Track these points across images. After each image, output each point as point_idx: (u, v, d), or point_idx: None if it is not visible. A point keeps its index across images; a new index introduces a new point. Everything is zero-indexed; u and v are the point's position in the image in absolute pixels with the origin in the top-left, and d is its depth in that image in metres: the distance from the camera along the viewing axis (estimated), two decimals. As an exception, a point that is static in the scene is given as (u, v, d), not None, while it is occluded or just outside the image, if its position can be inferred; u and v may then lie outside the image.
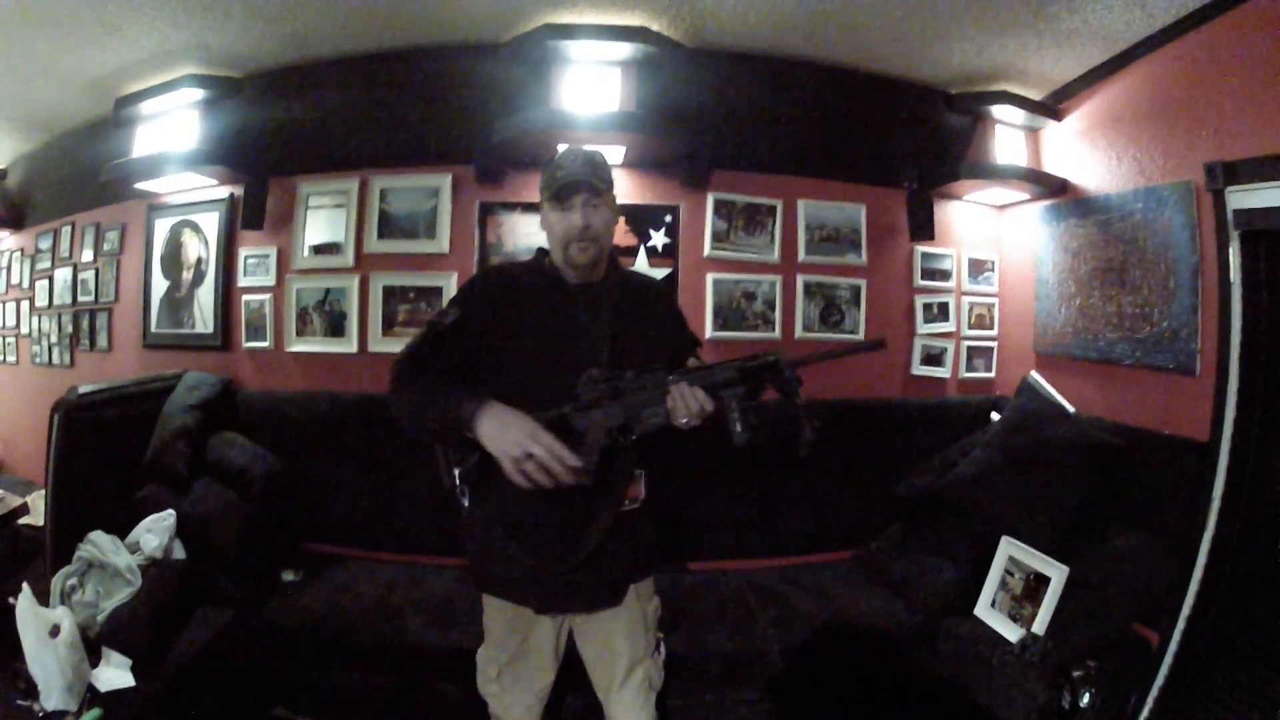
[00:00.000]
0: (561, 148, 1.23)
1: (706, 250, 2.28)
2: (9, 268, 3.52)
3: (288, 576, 2.14)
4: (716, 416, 1.09)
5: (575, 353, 1.19)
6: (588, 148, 1.23)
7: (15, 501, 2.79)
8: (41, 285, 3.23)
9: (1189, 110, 1.83)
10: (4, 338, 3.54)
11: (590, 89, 2.17)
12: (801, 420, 1.07)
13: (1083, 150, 2.27)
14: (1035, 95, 2.43)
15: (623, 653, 1.31)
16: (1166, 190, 1.87)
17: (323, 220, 2.32)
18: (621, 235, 2.23)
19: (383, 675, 1.98)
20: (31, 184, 3.42)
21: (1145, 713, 1.68)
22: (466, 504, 1.23)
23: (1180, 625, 1.66)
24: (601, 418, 1.13)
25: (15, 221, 3.49)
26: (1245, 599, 1.66)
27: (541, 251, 1.29)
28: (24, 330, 3.38)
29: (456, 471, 1.18)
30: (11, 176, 3.56)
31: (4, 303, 3.54)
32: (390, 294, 2.28)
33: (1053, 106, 2.42)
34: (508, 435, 1.05)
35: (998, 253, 2.63)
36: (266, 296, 2.40)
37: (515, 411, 1.07)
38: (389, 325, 2.27)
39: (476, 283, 1.29)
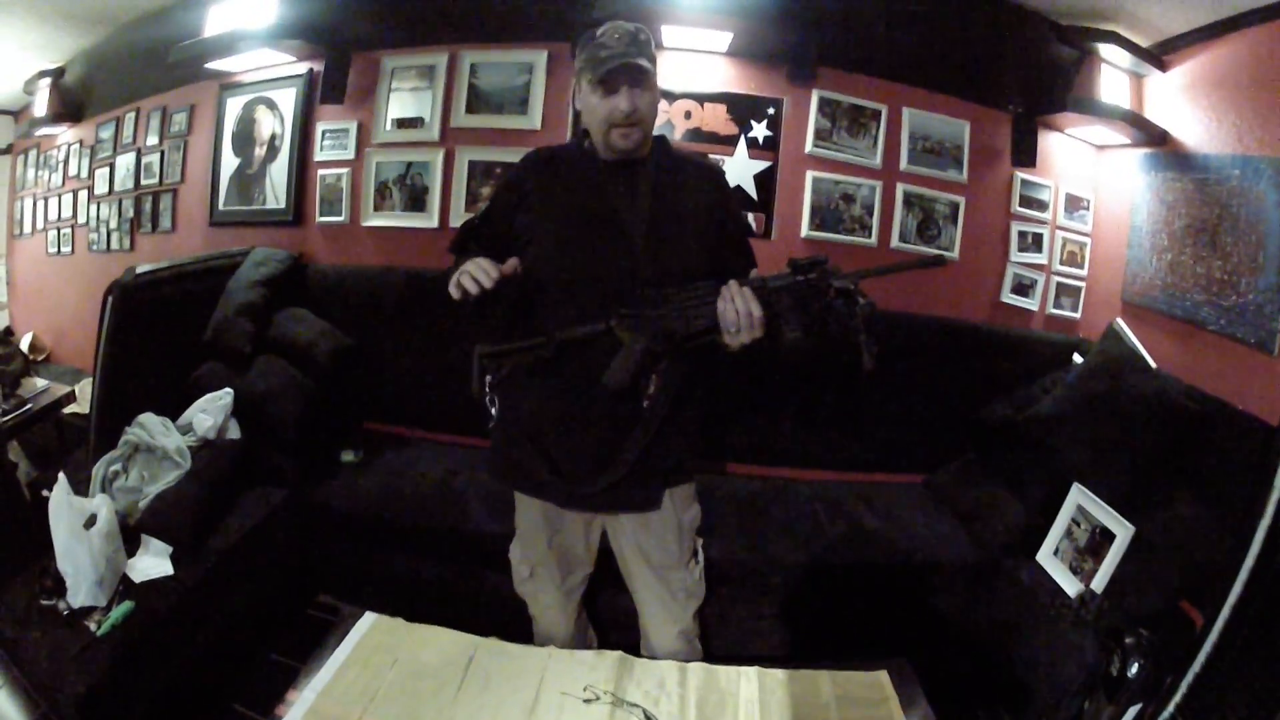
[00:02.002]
0: (603, 27, 1.12)
1: (808, 147, 2.20)
2: (65, 161, 3.49)
3: (347, 457, 2.09)
4: (769, 320, 1.00)
5: (609, 234, 1.12)
6: (628, 24, 1.12)
7: (61, 390, 2.75)
8: (101, 174, 3.20)
9: None
10: (59, 230, 3.51)
11: (698, -30, 2.08)
12: (860, 343, 0.97)
13: (1184, 106, 2.17)
14: (1142, 42, 2.32)
15: (654, 559, 1.26)
16: (1263, 163, 1.79)
17: (407, 94, 2.25)
18: (723, 124, 2.16)
19: (437, 563, 1.93)
20: (92, 78, 3.38)
21: (1179, 695, 1.59)
22: (494, 412, 1.21)
23: (1224, 613, 1.57)
24: (642, 328, 1.06)
25: (74, 116, 3.46)
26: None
27: (582, 132, 1.20)
28: (81, 220, 3.35)
29: (488, 379, 1.15)
30: (70, 72, 3.52)
31: (60, 196, 3.51)
32: (476, 170, 2.21)
33: (1159, 56, 2.32)
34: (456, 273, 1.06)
35: (1094, 192, 2.53)
36: (344, 170, 2.34)
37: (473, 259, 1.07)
38: (473, 201, 2.19)
39: (509, 174, 1.26)
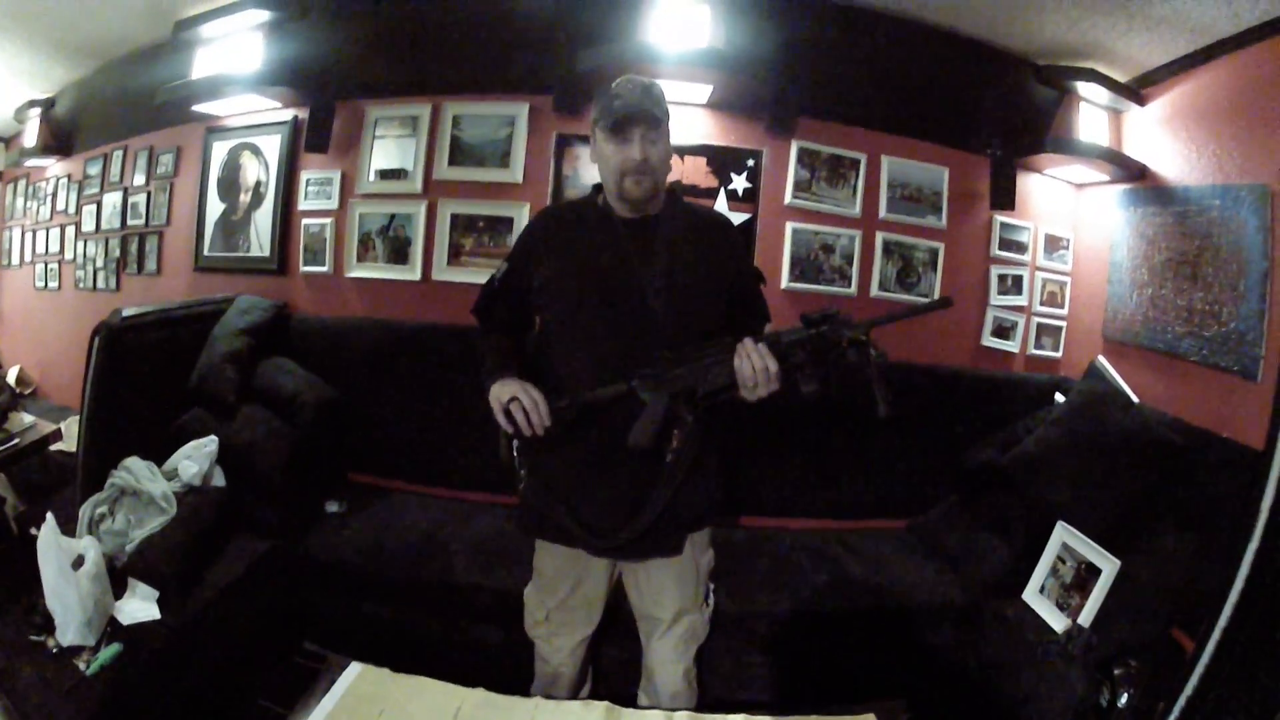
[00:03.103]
0: (619, 81, 1.17)
1: (787, 198, 2.21)
2: (54, 194, 3.49)
3: (331, 508, 2.09)
4: (785, 376, 1.03)
5: (627, 298, 1.13)
6: (645, 79, 1.17)
7: (49, 428, 2.75)
8: (89, 210, 3.20)
9: (1268, 113, 1.78)
10: (47, 264, 3.51)
11: (677, 24, 2.09)
12: (877, 393, 1.01)
13: (1163, 138, 2.20)
14: (1120, 77, 2.36)
15: (672, 602, 1.29)
16: (1243, 190, 1.82)
17: (390, 145, 2.26)
18: (703, 176, 2.17)
19: (422, 614, 1.93)
20: (81, 111, 3.38)
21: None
22: (524, 475, 1.25)
23: (1215, 636, 1.59)
24: (662, 388, 1.09)
25: (63, 149, 3.46)
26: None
27: (596, 188, 1.23)
28: (68, 256, 3.35)
29: (515, 444, 1.20)
30: (60, 104, 3.52)
31: (48, 229, 3.51)
32: (458, 222, 2.22)
33: (1137, 90, 2.35)
34: (502, 391, 1.13)
35: (1073, 231, 2.55)
36: (327, 220, 2.35)
37: (521, 382, 1.14)
38: (455, 254, 2.21)
39: (525, 232, 1.29)
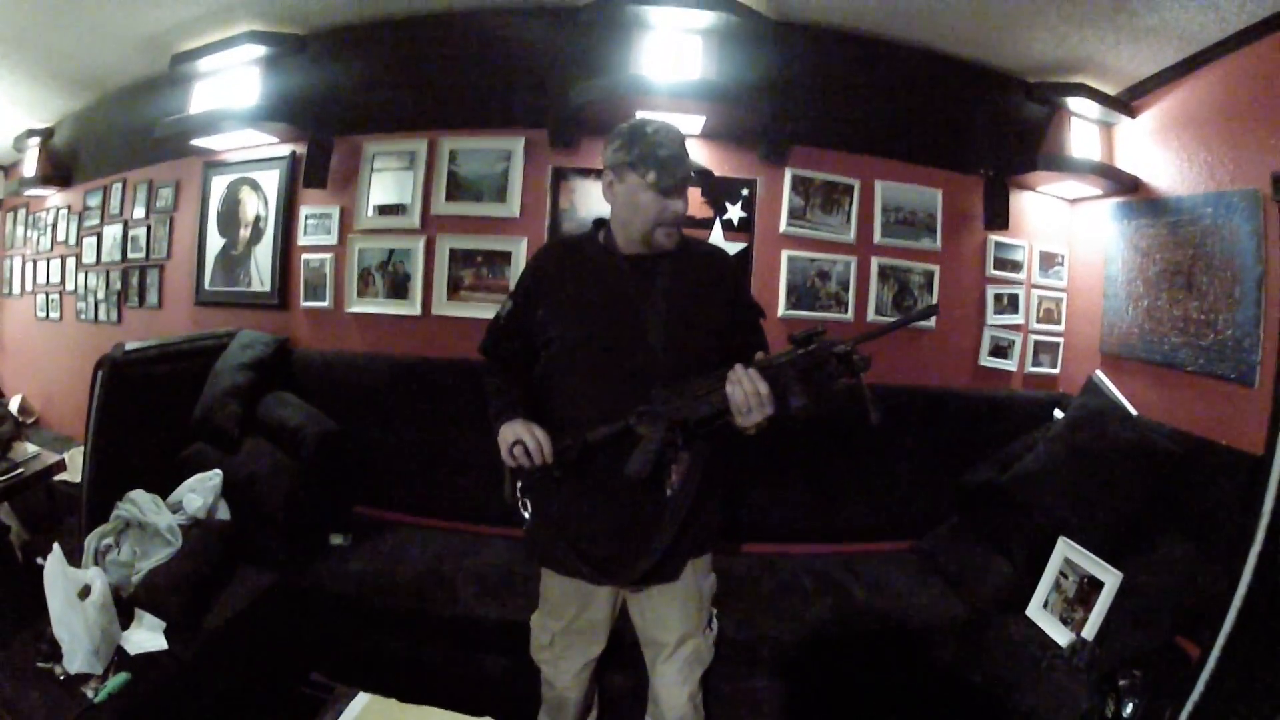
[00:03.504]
0: (641, 114, 1.20)
1: (782, 226, 2.23)
2: (55, 225, 3.52)
3: (336, 540, 2.10)
4: (777, 395, 1.04)
5: (628, 331, 1.15)
6: (671, 123, 1.18)
7: (52, 458, 2.76)
8: (89, 242, 3.22)
9: (1258, 117, 1.79)
10: (48, 295, 3.54)
11: (670, 57, 2.11)
12: (866, 400, 1.02)
13: (1155, 149, 2.22)
14: (1110, 90, 2.37)
15: (675, 626, 1.31)
16: (1235, 196, 1.83)
17: (388, 180, 2.28)
18: (697, 207, 2.18)
19: (428, 645, 1.94)
20: (80, 142, 3.41)
21: (1180, 726, 1.63)
22: (528, 514, 1.27)
23: (1220, 641, 1.61)
24: (658, 420, 1.11)
25: (62, 179, 3.49)
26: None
27: (596, 224, 1.24)
28: (69, 287, 3.37)
29: (519, 484, 1.23)
30: (59, 135, 3.55)
31: (49, 260, 3.54)
32: (457, 257, 2.23)
33: (1127, 103, 2.37)
34: (508, 433, 1.17)
35: (1068, 247, 2.57)
36: (327, 256, 2.37)
37: (526, 423, 1.17)
38: (455, 289, 2.22)
39: (528, 270, 1.31)
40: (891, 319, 2.25)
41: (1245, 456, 1.67)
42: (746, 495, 2.20)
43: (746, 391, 1.03)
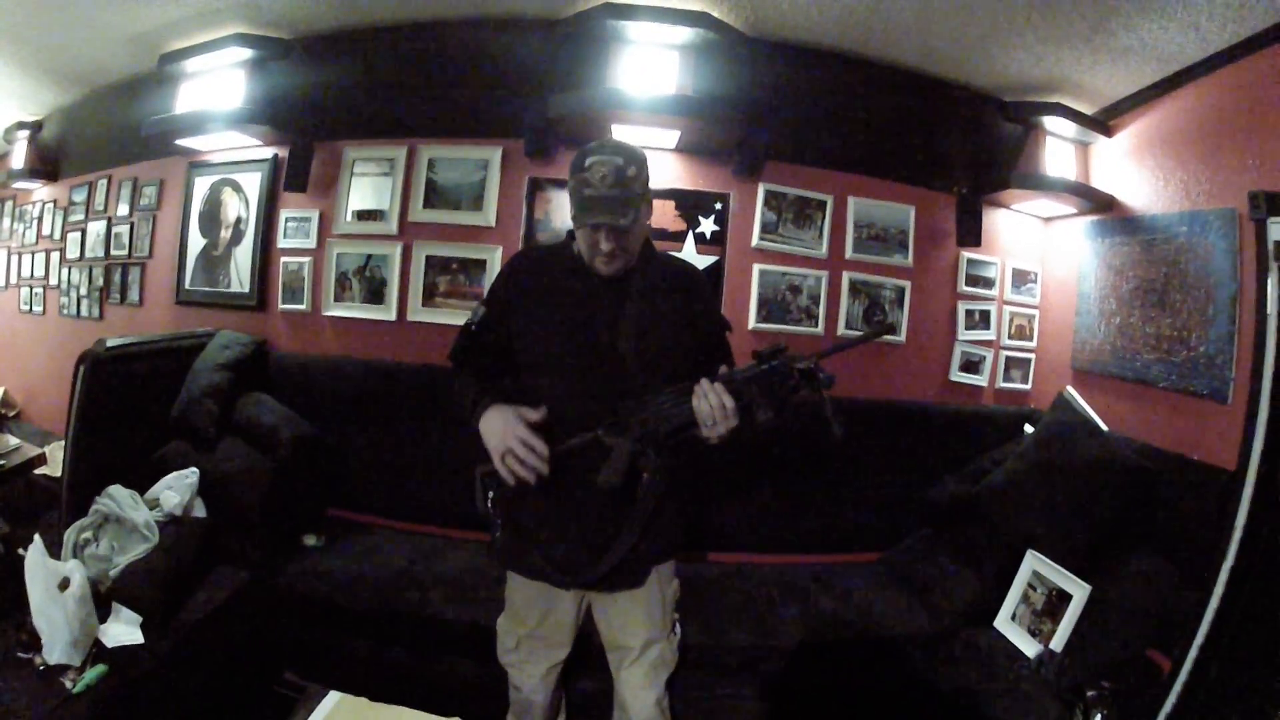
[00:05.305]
0: (616, 130, 1.20)
1: (755, 240, 2.26)
2: (40, 219, 3.52)
3: (309, 541, 2.12)
4: (741, 408, 1.07)
5: (598, 344, 1.18)
6: (618, 154, 1.11)
7: (33, 451, 2.78)
8: (73, 238, 3.22)
9: (1236, 137, 1.81)
10: (32, 288, 3.54)
11: (647, 71, 2.14)
12: (829, 415, 1.05)
13: (1130, 168, 2.24)
14: (1087, 110, 2.40)
15: (639, 631, 1.33)
16: (1211, 215, 1.85)
17: (367, 186, 2.30)
18: (670, 220, 2.21)
19: (398, 646, 1.96)
20: (67, 137, 3.42)
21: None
22: (499, 524, 1.28)
23: (1192, 654, 1.63)
24: (627, 432, 1.14)
25: (49, 173, 3.49)
26: (1260, 632, 1.62)
27: (570, 234, 1.25)
28: (52, 282, 3.38)
29: (490, 495, 1.23)
30: (47, 129, 3.55)
31: (33, 253, 3.54)
32: (433, 264, 2.25)
33: (1103, 122, 2.39)
34: (496, 432, 1.16)
35: (1041, 264, 2.60)
36: (306, 259, 2.39)
37: (510, 412, 1.16)
38: (429, 295, 2.24)
39: (500, 278, 1.32)
40: (859, 333, 2.35)
41: (1218, 472, 1.69)
42: (715, 506, 2.22)
43: (712, 405, 1.06)
